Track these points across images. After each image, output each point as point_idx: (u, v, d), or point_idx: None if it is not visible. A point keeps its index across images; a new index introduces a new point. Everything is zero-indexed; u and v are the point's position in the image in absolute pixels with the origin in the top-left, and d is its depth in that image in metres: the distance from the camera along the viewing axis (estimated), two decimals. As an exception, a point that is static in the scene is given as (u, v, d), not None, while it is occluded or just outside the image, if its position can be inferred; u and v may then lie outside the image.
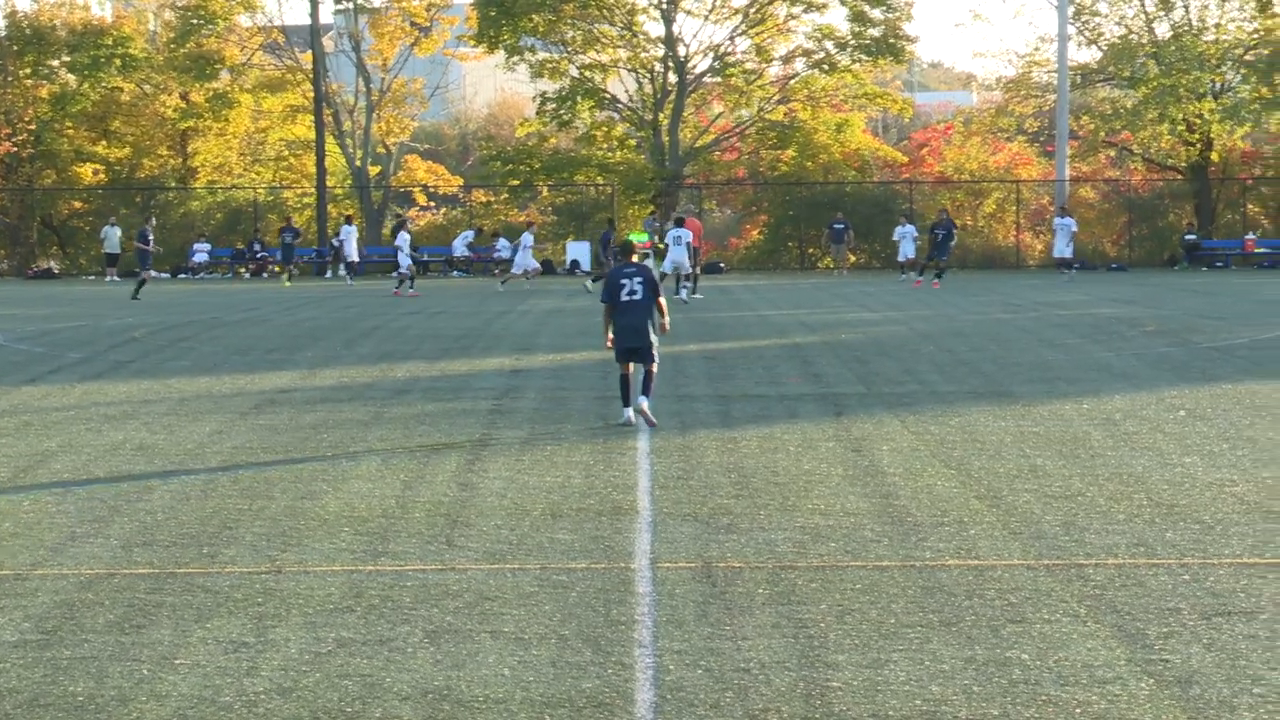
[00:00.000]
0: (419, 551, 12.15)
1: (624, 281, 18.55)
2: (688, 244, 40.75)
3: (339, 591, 10.96)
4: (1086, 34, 69.32)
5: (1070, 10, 66.21)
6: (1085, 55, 70.88)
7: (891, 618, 10.06)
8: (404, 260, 48.02)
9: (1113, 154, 71.06)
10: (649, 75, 68.28)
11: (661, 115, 67.58)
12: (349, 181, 70.88)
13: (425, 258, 60.34)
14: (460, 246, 64.08)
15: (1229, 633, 9.59)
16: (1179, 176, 68.54)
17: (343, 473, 15.76)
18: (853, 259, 63.50)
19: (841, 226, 60.98)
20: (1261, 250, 62.83)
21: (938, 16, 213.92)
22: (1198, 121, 66.00)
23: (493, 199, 70.80)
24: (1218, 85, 67.74)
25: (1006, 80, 71.42)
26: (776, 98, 68.11)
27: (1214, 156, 67.66)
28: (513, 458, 16.45)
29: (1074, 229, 53.20)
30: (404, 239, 48.98)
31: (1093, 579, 10.97)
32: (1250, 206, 68.53)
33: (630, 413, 18.41)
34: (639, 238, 61.38)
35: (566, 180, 68.35)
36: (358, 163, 70.30)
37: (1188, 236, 64.23)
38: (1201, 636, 9.52)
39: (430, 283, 55.82)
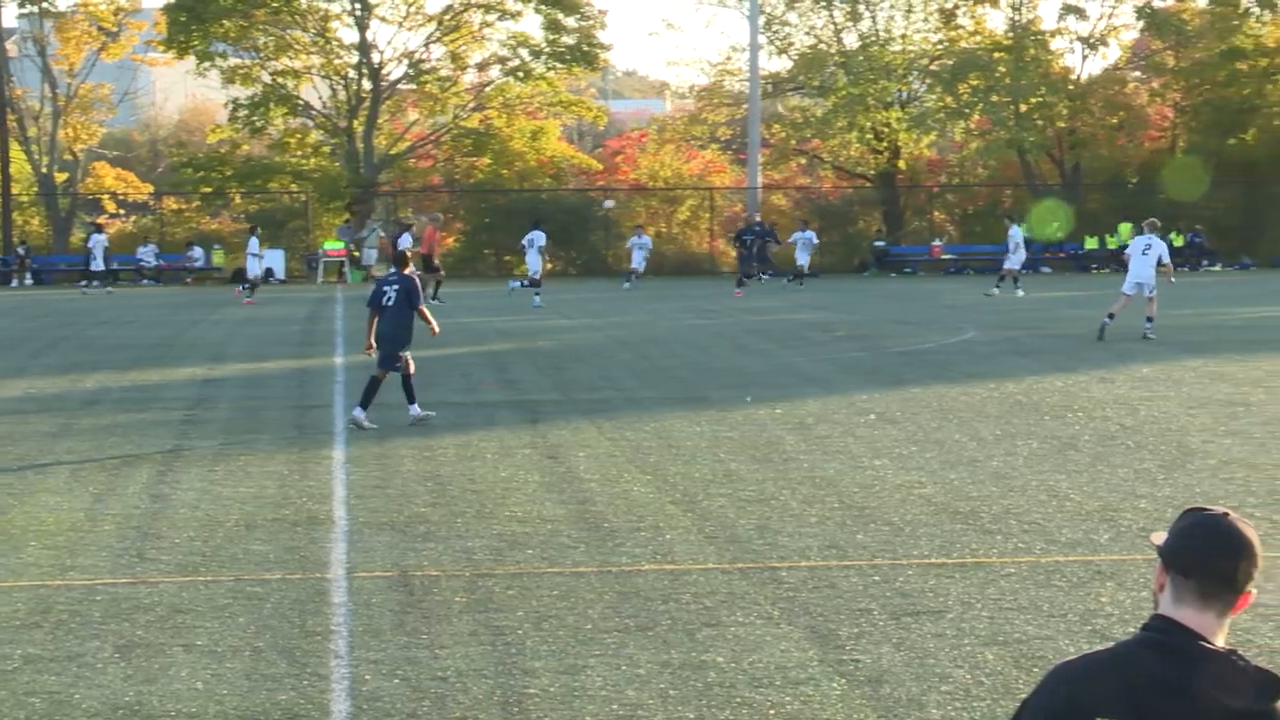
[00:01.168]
0: (109, 565, 11.83)
1: (384, 290, 19.13)
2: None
3: (25, 608, 10.61)
4: (777, 43, 70.52)
5: (761, 20, 67.30)
6: (776, 64, 72.12)
7: (588, 623, 10.07)
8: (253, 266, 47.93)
9: (803, 162, 72.44)
10: (343, 82, 67.62)
11: (356, 122, 66.97)
12: (35, 189, 68.87)
13: (115, 266, 58.86)
14: (148, 255, 62.75)
15: (917, 632, 9.79)
16: (868, 184, 70.15)
17: (30, 486, 15.30)
18: (550, 266, 63.63)
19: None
20: (948, 256, 64.54)
21: (632, 25, 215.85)
22: (885, 130, 67.63)
23: (184, 206, 69.50)
24: (904, 94, 69.52)
25: (700, 89, 72.39)
26: (472, 105, 67.98)
27: (901, 164, 69.39)
28: (205, 468, 16.13)
29: (815, 241, 53.08)
30: (254, 243, 48.70)
31: (786, 581, 11.12)
32: (936, 213, 70.40)
33: (361, 414, 18.59)
34: (334, 245, 60.97)
35: (259, 188, 67.35)
36: (44, 169, 68.33)
37: (877, 243, 65.76)
38: (891, 636, 9.71)
39: (121, 291, 54.48)
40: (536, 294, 43.30)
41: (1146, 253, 30.43)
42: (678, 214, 68.70)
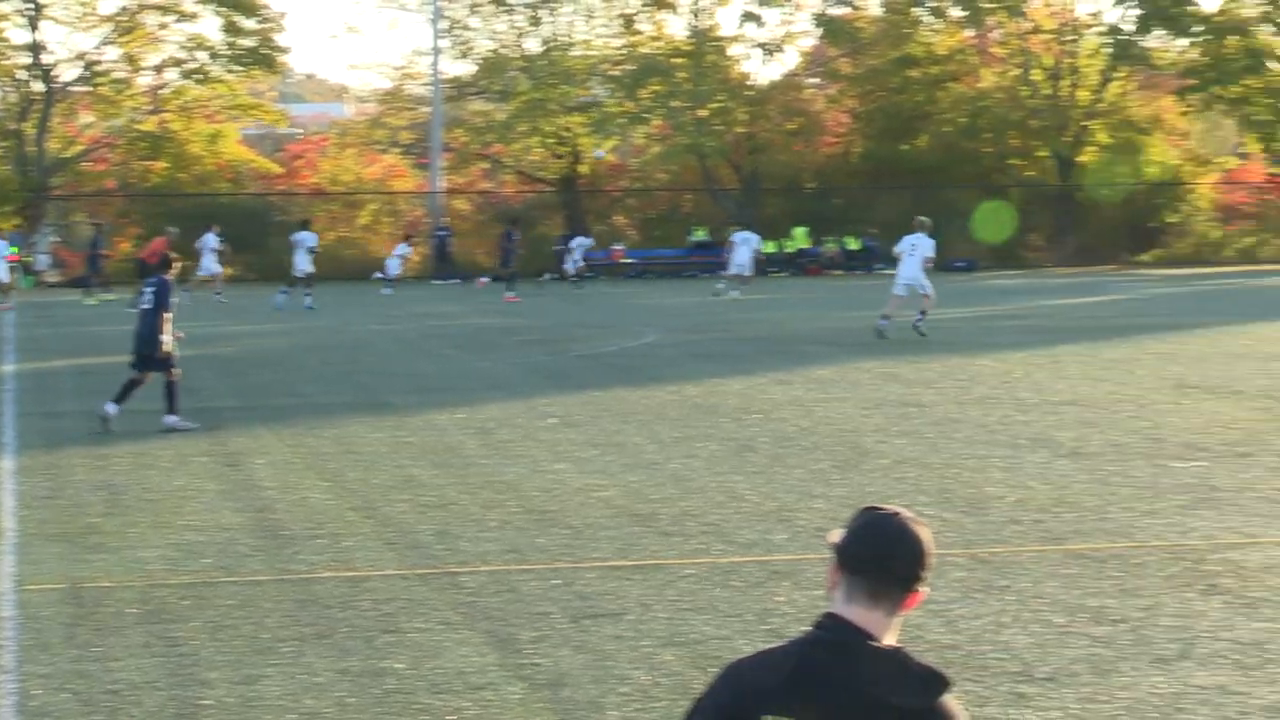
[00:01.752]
0: None
1: (143, 292, 19.68)
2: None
3: None
4: (459, 47, 70.44)
5: (443, 24, 67.20)
6: (459, 68, 72.09)
7: (266, 632, 9.93)
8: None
9: (486, 166, 72.45)
10: (13, 84, 65.64)
11: (27, 125, 65.05)
12: None
13: None
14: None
15: (597, 634, 9.85)
16: (550, 188, 70.46)
17: None
18: (228, 270, 62.52)
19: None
20: (629, 260, 65.10)
21: (313, 28, 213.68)
22: (567, 134, 68.03)
23: None
24: (586, 99, 69.97)
25: (381, 92, 71.94)
26: (148, 108, 66.52)
27: (583, 169, 69.87)
28: None
29: (755, 245, 50.91)
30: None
31: (466, 586, 11.10)
32: (618, 218, 70.99)
33: (111, 408, 18.75)
34: (12, 250, 58.96)
35: (-77, 191, 65.02)
36: None
37: (558, 248, 66.03)
38: (571, 639, 9.75)
39: None
40: (307, 294, 43.40)
41: (913, 252, 31.66)
42: (359, 218, 68.12)
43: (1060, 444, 17.14)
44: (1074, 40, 71.47)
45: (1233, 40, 69.72)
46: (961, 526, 12.70)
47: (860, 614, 3.95)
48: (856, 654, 3.90)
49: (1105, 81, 71.18)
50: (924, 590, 4.01)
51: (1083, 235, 68.83)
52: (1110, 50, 71.02)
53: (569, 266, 56.69)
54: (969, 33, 72.85)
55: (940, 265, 63.68)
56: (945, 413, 19.85)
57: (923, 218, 33.61)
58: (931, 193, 67.99)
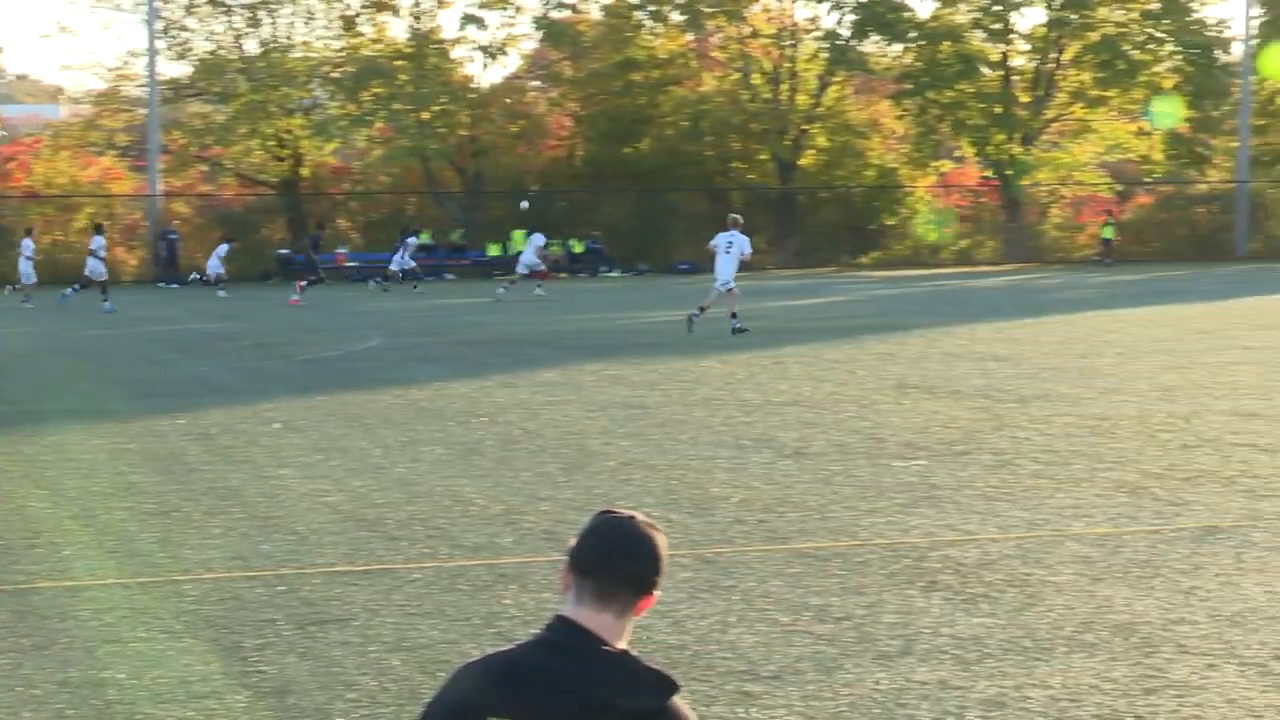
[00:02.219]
0: None
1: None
2: None
3: None
4: (176, 48, 69.18)
5: (159, 25, 65.92)
6: (176, 70, 70.83)
7: (-20, 648, 9.63)
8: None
9: (205, 169, 71.27)
10: None
11: None
12: None
13: None
14: None
15: (323, 640, 9.73)
16: (271, 191, 69.57)
17: None
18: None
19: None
20: (352, 264, 64.52)
21: (25, 27, 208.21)
22: (288, 137, 67.23)
23: None
24: (307, 101, 69.24)
25: (97, 94, 70.33)
26: None
27: (305, 172, 69.13)
28: None
29: (540, 244, 49.98)
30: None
31: (189, 594, 10.88)
32: (341, 221, 70.36)
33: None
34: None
35: None
36: None
37: (281, 251, 65.28)
38: (297, 646, 9.62)
39: None
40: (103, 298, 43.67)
41: (729, 250, 32.26)
42: (75, 222, 66.48)
43: (784, 444, 17.38)
44: (793, 45, 72.68)
45: (946, 46, 71.54)
46: (687, 527, 12.80)
47: (589, 616, 3.95)
48: (582, 656, 3.89)
49: (824, 86, 72.51)
50: (656, 594, 4.01)
51: (804, 237, 70.03)
52: (828, 55, 72.39)
53: (395, 266, 56.29)
54: (689, 37, 73.67)
55: (664, 268, 64.62)
56: (670, 414, 20.00)
57: (736, 215, 34.40)
58: (655, 195, 68.60)
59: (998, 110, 71.81)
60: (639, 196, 69.00)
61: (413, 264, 56.65)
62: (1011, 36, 74.04)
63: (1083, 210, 74.86)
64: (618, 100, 71.14)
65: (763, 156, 72.72)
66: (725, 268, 32.45)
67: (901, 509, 13.61)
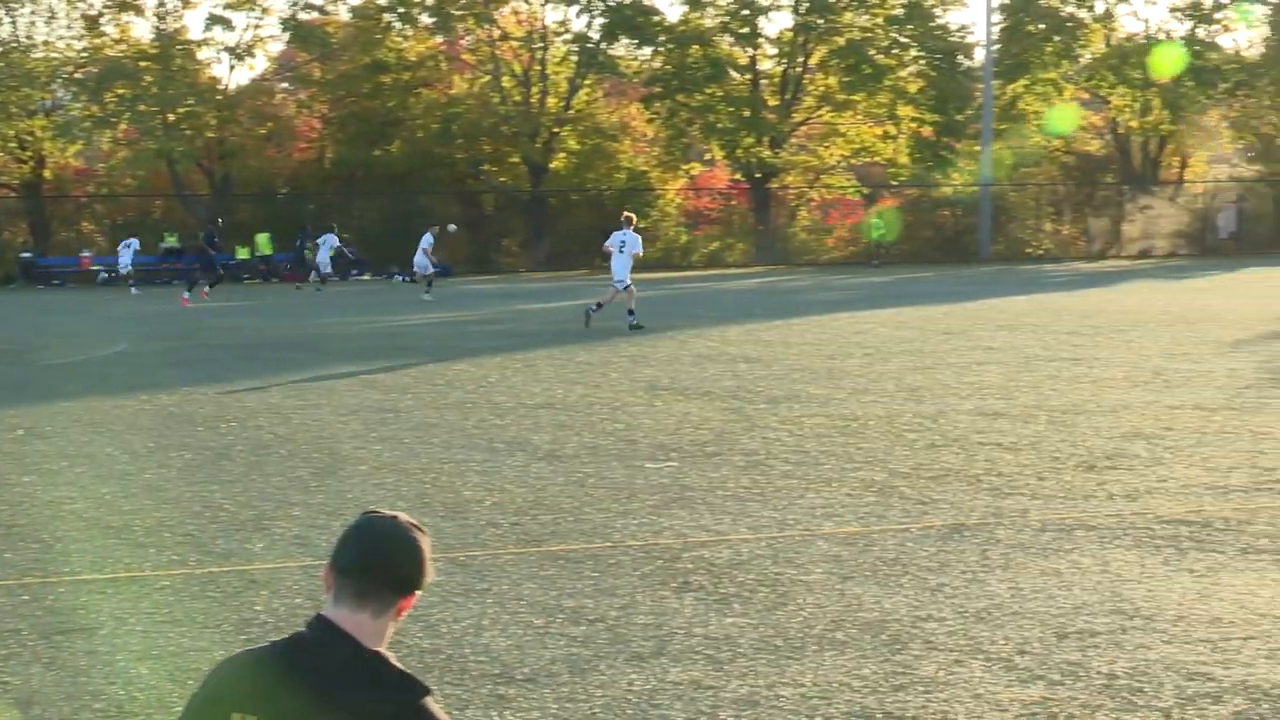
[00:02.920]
0: None
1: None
2: None
3: None
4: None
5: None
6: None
7: None
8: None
9: (-58, 170, 69.39)
10: None
11: None
12: None
13: None
14: None
15: (69, 650, 9.51)
16: (13, 194, 67.89)
17: None
18: None
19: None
20: (97, 267, 63.20)
21: None
22: (30, 139, 65.65)
23: None
24: (49, 102, 67.68)
25: None
26: None
27: (47, 174, 67.57)
28: None
29: (334, 245, 48.97)
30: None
31: (-72, 608, 10.57)
32: (85, 224, 68.91)
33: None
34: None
35: None
36: None
37: (23, 254, 63.76)
38: (42, 656, 9.39)
39: None
40: None
41: (622, 249, 33.62)
42: None
43: (537, 447, 17.39)
44: (543, 48, 72.78)
45: (695, 50, 72.20)
46: (440, 531, 12.75)
47: (345, 616, 3.91)
48: (329, 655, 3.85)
49: (574, 89, 72.73)
50: (416, 595, 3.99)
51: (555, 240, 70.13)
52: (578, 58, 72.64)
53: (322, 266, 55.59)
54: (439, 39, 73.41)
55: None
56: (423, 418, 19.90)
57: (630, 214, 35.97)
58: (406, 198, 68.22)
59: (746, 114, 72.63)
60: (390, 199, 68.53)
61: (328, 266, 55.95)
62: (759, 41, 74.97)
63: (831, 213, 76.09)
64: (368, 103, 70.61)
65: (514, 159, 72.70)
66: (619, 266, 33.45)
67: (654, 510, 13.69)
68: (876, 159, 75.64)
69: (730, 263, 70.35)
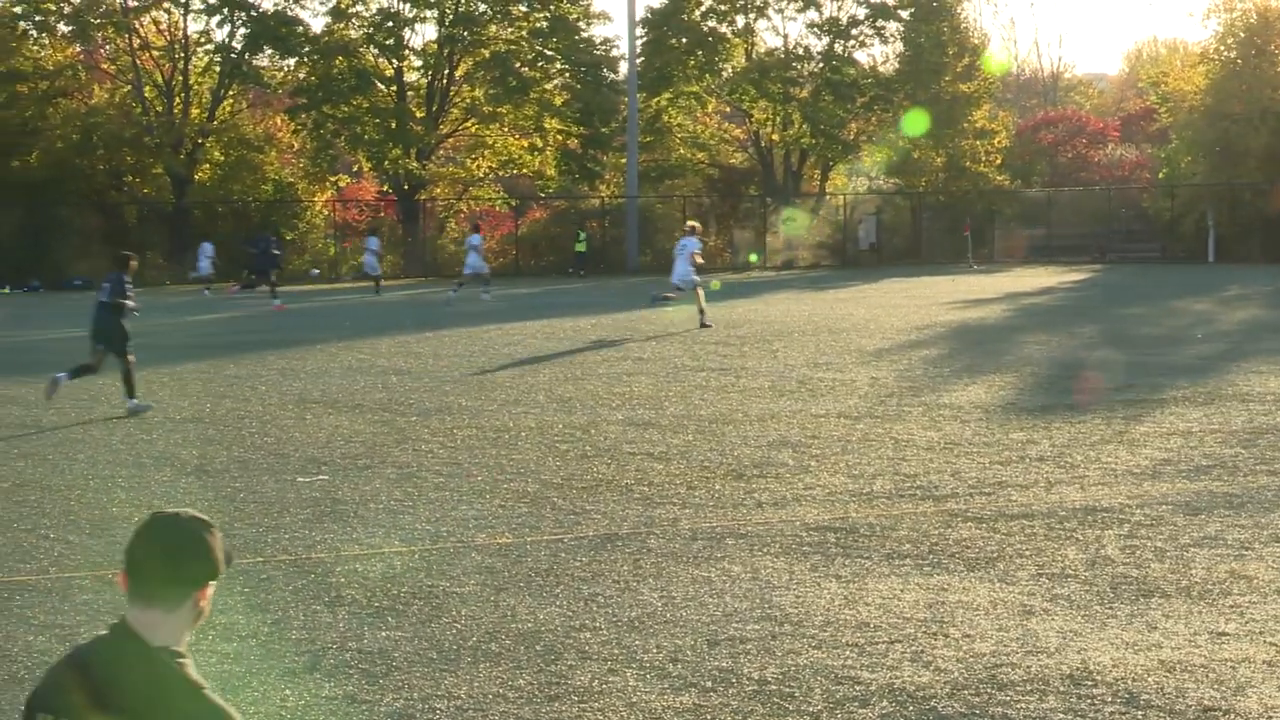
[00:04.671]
0: None
1: (103, 285, 22.15)
2: None
3: None
4: None
5: None
6: None
7: None
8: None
9: None
10: None
11: None
12: None
13: None
14: None
15: None
16: None
17: None
18: None
19: None
20: None
21: None
22: None
23: None
24: None
25: None
26: None
27: None
28: None
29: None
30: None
31: None
32: None
33: (64, 376, 21.66)
34: None
35: None
36: None
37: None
38: None
39: None
40: None
41: (682, 252, 35.86)
42: None
43: (185, 462, 17.06)
44: (185, 58, 71.46)
45: (341, 61, 71.64)
46: (87, 549, 12.43)
47: (136, 614, 4.01)
48: (117, 654, 3.96)
49: (218, 100, 71.56)
50: (210, 587, 4.08)
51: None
52: (220, 68, 71.52)
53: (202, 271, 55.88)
54: (78, 48, 71.54)
55: (55, 283, 62.47)
56: (67, 434, 19.41)
57: (693, 222, 40.75)
58: (42, 209, 66.26)
59: (393, 125, 72.35)
60: (26, 210, 66.43)
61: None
62: (405, 52, 74.74)
63: (479, 225, 76.17)
64: (3, 112, 68.41)
65: (157, 170, 71.21)
66: (681, 268, 35.77)
67: (306, 524, 13.54)
68: (524, 171, 76.02)
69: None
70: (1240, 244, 67.66)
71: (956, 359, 27.52)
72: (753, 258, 56.89)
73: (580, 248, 70.98)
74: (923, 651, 9.54)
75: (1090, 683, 8.86)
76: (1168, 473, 15.60)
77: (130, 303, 21.78)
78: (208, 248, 61.27)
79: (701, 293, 35.50)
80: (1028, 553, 12.15)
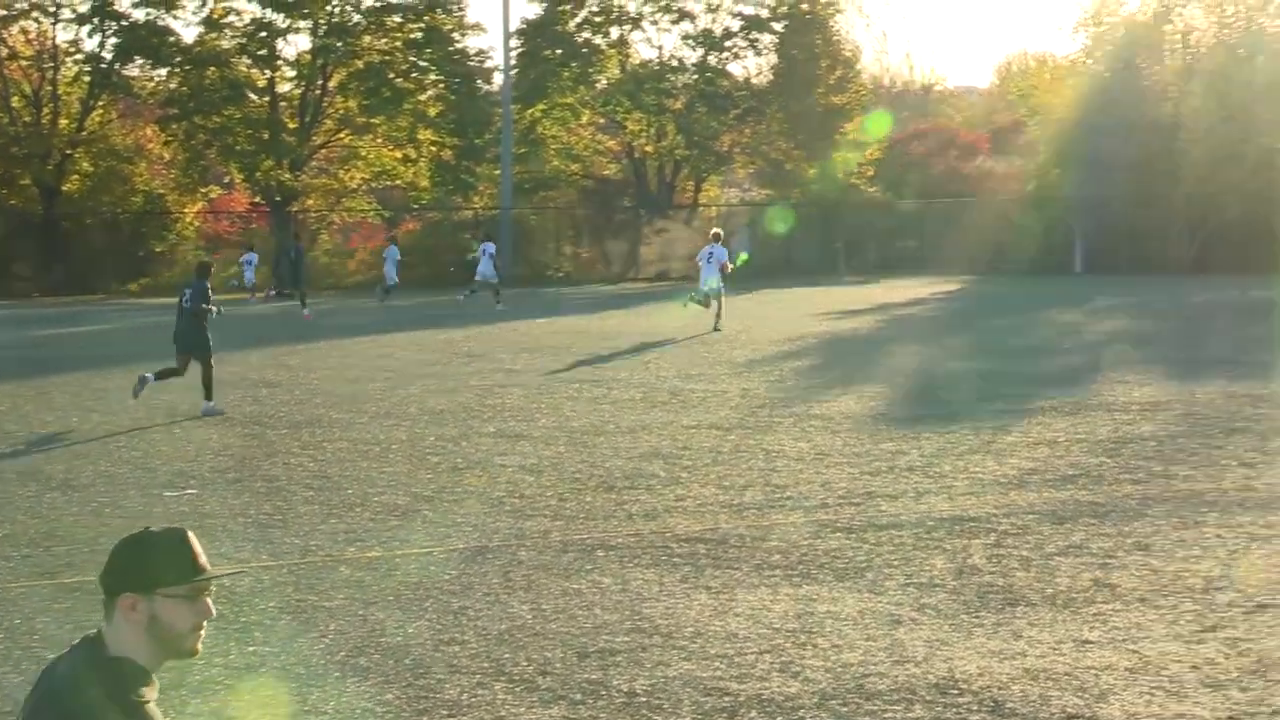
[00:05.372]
0: None
1: (185, 291, 23.20)
2: None
3: None
4: None
5: None
6: None
7: None
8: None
9: None
10: None
11: None
12: None
13: None
14: None
15: None
16: None
17: None
18: None
19: None
20: None
21: None
22: None
23: None
24: None
25: None
26: None
27: None
28: None
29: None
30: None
31: None
32: None
33: (151, 376, 22.57)
34: None
35: None
36: None
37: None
38: None
39: None
40: None
41: (710, 260, 37.65)
42: None
43: (50, 477, 16.85)
44: (54, 68, 70.57)
45: (213, 71, 71.01)
46: (-54, 568, 12.24)
47: (103, 624, 4.17)
48: (71, 659, 4.11)
49: (87, 110, 70.72)
50: (124, 596, 4.14)
51: (70, 264, 67.90)
52: (90, 79, 70.69)
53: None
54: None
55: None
56: (-73, 450, 19.09)
57: (718, 230, 41.09)
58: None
59: (266, 136, 71.79)
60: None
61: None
62: (278, 63, 74.19)
63: (352, 236, 75.75)
64: None
65: (25, 181, 70.13)
66: (709, 275, 37.59)
67: (174, 540, 13.37)
68: (398, 182, 75.69)
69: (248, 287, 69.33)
70: (1107, 255, 68.54)
71: (828, 370, 27.72)
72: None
73: (473, 253, 70.27)
74: (791, 662, 9.60)
75: (956, 691, 8.95)
76: (1034, 482, 15.80)
77: (212, 309, 23.02)
78: (253, 257, 61.08)
79: (722, 300, 37.46)
80: (896, 562, 12.26)
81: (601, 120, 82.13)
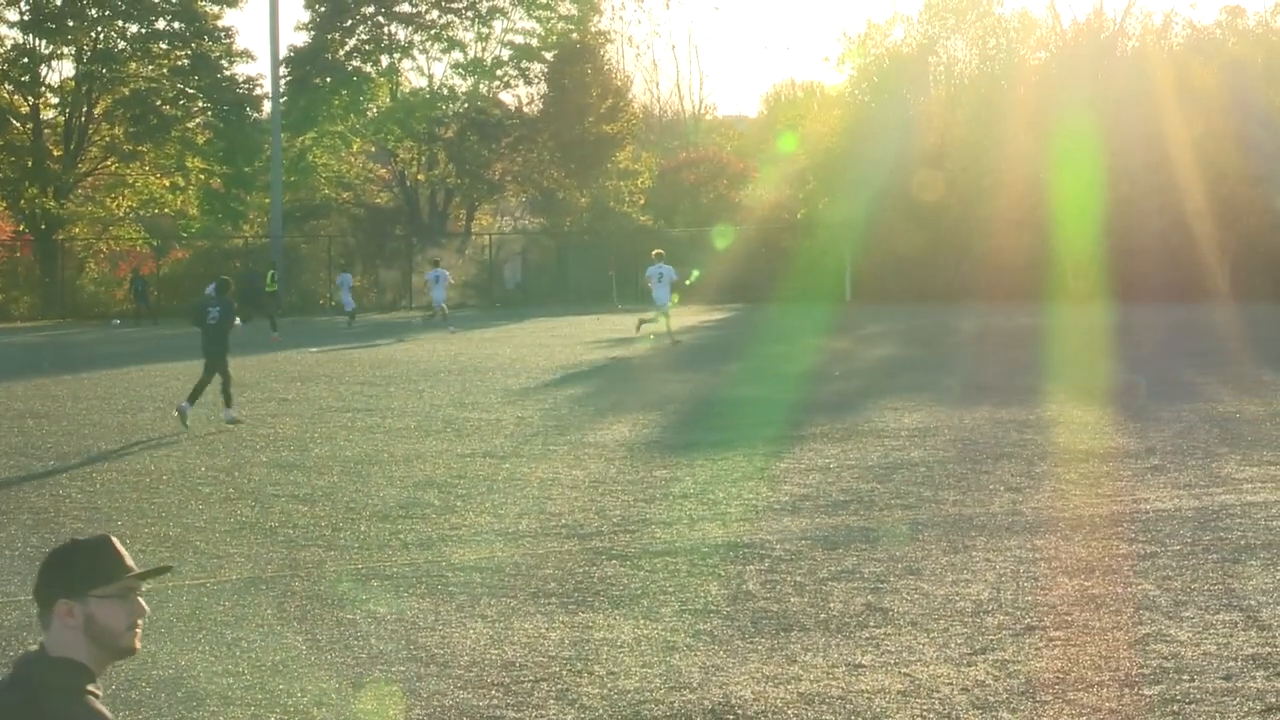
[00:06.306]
0: None
1: (209, 309, 24.52)
2: None
3: None
4: None
5: None
6: None
7: None
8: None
9: None
10: None
11: None
12: None
13: None
14: None
15: None
16: None
17: None
18: None
19: None
20: None
21: None
22: None
23: None
24: None
25: None
26: None
27: None
28: None
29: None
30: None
31: None
32: None
33: (187, 405, 23.52)
34: None
35: None
36: None
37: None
38: None
39: None
40: None
41: (660, 280, 39.43)
42: None
43: None
44: None
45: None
46: None
47: (42, 636, 4.35)
48: (19, 663, 4.31)
49: None
50: (59, 604, 4.29)
51: None
52: None
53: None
54: None
55: None
56: None
57: (659, 250, 43.00)
58: None
59: (29, 163, 70.34)
60: None
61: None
62: (42, 89, 72.77)
63: (120, 265, 74.40)
64: None
65: None
66: (661, 294, 39.34)
67: (-65, 577, 13.06)
68: (166, 210, 74.56)
69: (16, 316, 67.80)
70: (877, 283, 69.62)
71: (601, 397, 27.84)
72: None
73: (271, 287, 68.97)
74: (568, 689, 9.62)
75: (732, 717, 9.04)
76: (807, 508, 16.01)
77: (238, 322, 25.07)
78: (348, 278, 60.10)
79: (670, 316, 39.61)
80: (671, 589, 12.34)
81: (373, 148, 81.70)
